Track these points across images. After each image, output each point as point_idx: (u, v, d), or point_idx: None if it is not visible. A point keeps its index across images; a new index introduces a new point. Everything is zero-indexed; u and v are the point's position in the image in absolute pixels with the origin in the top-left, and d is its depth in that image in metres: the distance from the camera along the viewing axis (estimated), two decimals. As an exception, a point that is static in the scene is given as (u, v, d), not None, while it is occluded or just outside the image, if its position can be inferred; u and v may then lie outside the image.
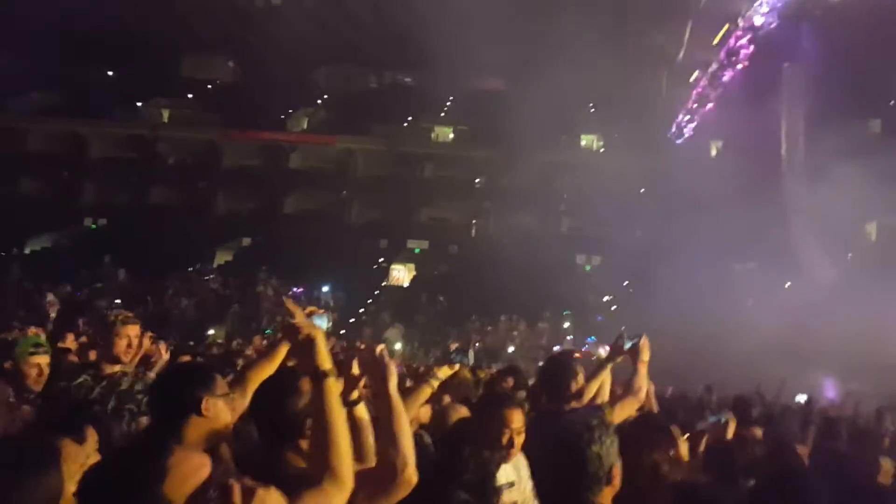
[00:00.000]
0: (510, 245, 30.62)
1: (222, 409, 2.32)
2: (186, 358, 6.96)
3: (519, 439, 3.10)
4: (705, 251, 25.09)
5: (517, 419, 3.10)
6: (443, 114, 38.68)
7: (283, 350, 3.02)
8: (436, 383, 3.40)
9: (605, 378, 4.22)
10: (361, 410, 2.45)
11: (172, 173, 37.59)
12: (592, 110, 36.23)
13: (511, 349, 23.72)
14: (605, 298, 30.94)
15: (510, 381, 4.96)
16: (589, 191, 31.03)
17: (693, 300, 23.24)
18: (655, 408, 5.35)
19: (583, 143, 38.62)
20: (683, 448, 3.71)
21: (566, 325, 27.60)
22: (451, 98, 37.92)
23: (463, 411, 3.88)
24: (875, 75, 26.49)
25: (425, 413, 4.01)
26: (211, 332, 21.31)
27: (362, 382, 2.44)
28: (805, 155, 29.15)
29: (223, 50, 39.17)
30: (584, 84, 29.84)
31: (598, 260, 33.76)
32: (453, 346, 14.99)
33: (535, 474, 3.14)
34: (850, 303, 21.00)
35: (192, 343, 14.75)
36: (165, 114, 39.13)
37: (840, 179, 24.79)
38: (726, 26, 26.93)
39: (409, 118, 38.41)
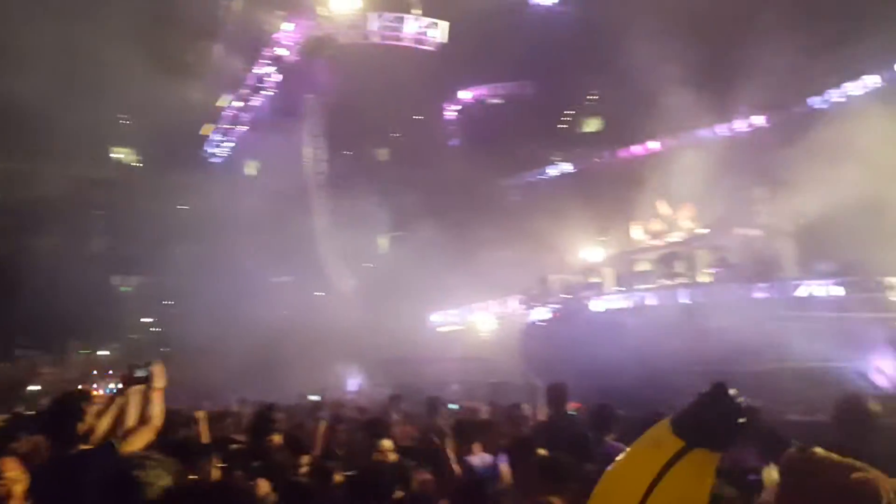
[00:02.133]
0: (32, 269, 26.89)
1: None
2: None
3: (17, 488, 3.03)
4: (245, 267, 25.93)
5: (10, 468, 3.04)
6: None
7: None
8: None
9: (131, 407, 4.15)
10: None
11: None
12: (126, 123, 34.15)
13: (36, 387, 21.01)
14: (145, 320, 29.71)
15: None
16: (125, 208, 29.26)
17: (235, 315, 23.86)
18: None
19: (115, 157, 36.10)
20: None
21: (105, 352, 25.52)
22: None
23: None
24: (382, 110, 30.75)
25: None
26: None
27: None
28: (327, 178, 32.25)
29: None
30: (115, 97, 28.09)
31: (137, 280, 32.09)
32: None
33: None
34: (369, 306, 24.03)
35: None
36: None
37: (356, 200, 28.32)
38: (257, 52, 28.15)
39: None
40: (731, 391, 1.28)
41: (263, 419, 6.18)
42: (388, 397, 10.41)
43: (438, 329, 27.38)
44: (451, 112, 34.99)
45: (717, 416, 1.27)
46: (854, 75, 23.03)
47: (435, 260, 23.51)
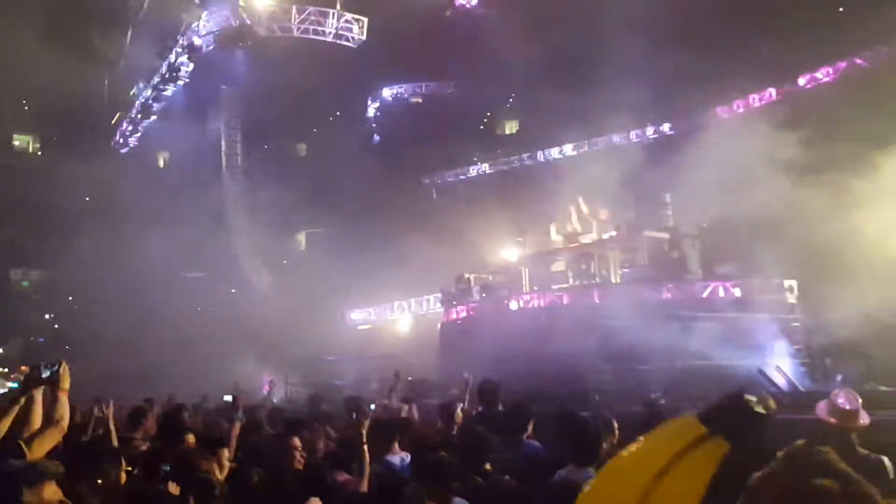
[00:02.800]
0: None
1: None
2: None
3: None
4: (156, 262, 25.02)
5: None
6: None
7: None
8: None
9: (35, 409, 3.96)
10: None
11: None
12: (27, 108, 32.29)
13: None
14: (48, 317, 28.22)
15: None
16: (26, 197, 27.65)
17: (145, 310, 22.97)
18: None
19: (16, 143, 34.07)
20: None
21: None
22: None
23: None
24: (301, 104, 30.28)
25: None
26: None
27: None
28: (243, 173, 31.48)
29: None
30: (17, 80, 26.55)
31: (38, 274, 30.43)
32: None
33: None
34: (286, 303, 23.65)
35: None
36: None
37: (273, 195, 27.76)
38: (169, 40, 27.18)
39: None
40: (747, 396, 1.35)
41: (173, 420, 6.00)
42: (307, 397, 10.19)
43: (358, 327, 27.25)
44: (371, 109, 34.83)
45: (739, 409, 1.34)
46: (757, 87, 24.36)
47: (353, 257, 23.39)
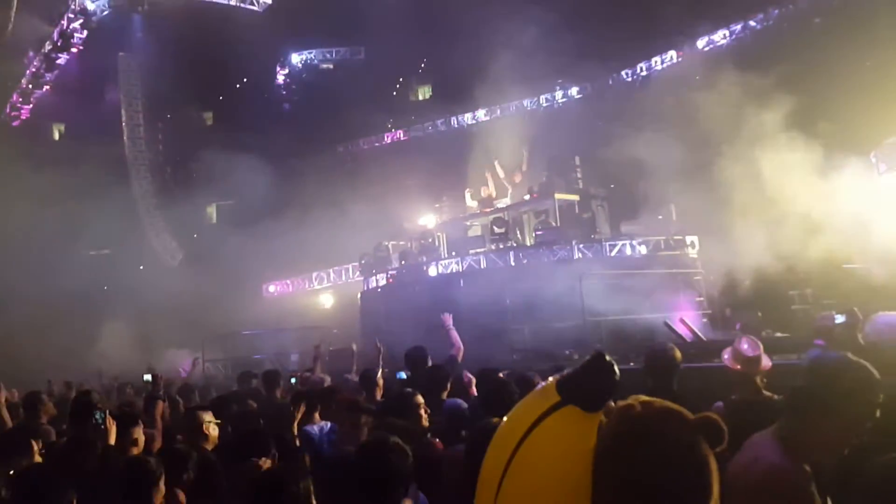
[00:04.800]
0: None
1: None
2: None
3: None
4: (56, 239, 23.85)
5: None
6: None
7: None
8: None
9: None
10: None
11: None
12: None
13: None
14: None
15: None
16: None
17: (43, 292, 21.84)
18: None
19: None
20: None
21: None
22: None
23: None
24: (205, 71, 29.14)
25: None
26: None
27: None
28: (146, 144, 30.15)
29: None
30: None
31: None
32: None
33: None
34: (199, 279, 22.99)
35: None
36: None
37: (180, 167, 26.79)
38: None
39: None
40: (608, 358, 1.39)
41: (83, 404, 5.81)
42: (238, 374, 9.85)
43: (276, 299, 26.89)
44: (280, 76, 33.90)
45: (592, 378, 1.37)
46: (661, 49, 25.13)
47: (268, 229, 22.96)
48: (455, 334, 7.34)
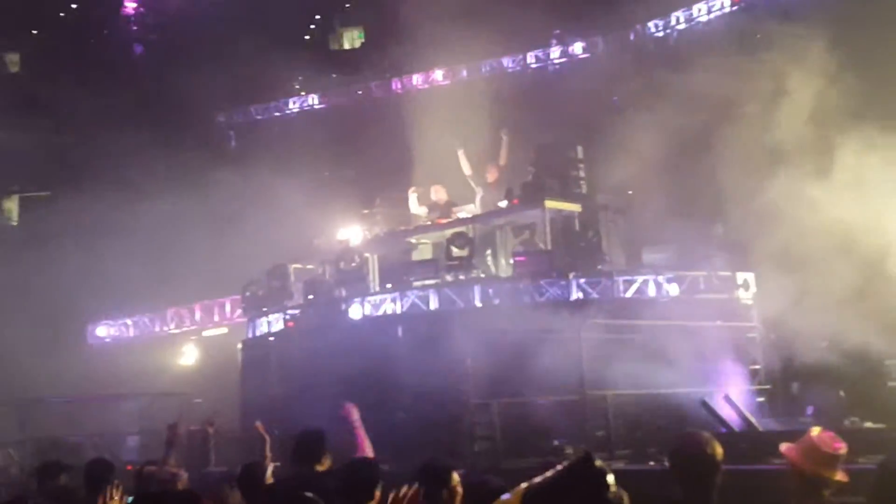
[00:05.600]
0: None
1: None
2: None
3: None
4: None
5: None
6: None
7: None
8: None
9: None
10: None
11: None
12: None
13: None
14: None
15: None
16: None
17: None
18: None
19: None
20: None
21: None
22: None
23: None
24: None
25: None
26: None
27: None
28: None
29: None
30: None
31: None
32: None
33: None
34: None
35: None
36: None
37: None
38: None
39: None
40: (598, 464, 1.49)
41: None
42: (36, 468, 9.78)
43: (107, 348, 26.57)
44: (130, 2, 33.74)
45: (573, 492, 1.47)
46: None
47: (100, 236, 22.74)
48: (362, 434, 7.42)
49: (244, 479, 6.61)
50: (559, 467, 1.50)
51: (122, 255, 22.41)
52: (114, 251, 22.60)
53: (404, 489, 3.74)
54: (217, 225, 21.00)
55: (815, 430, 4.49)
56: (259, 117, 32.78)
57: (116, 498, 4.95)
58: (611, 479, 1.47)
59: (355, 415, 7.64)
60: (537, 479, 1.51)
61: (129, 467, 12.38)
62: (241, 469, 6.90)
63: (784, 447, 4.59)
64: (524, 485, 1.54)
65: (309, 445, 6.76)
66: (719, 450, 4.39)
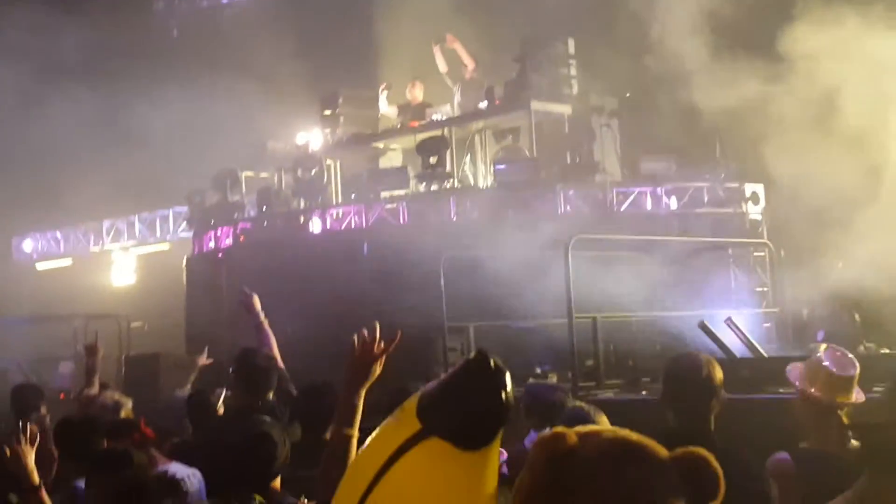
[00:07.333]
0: None
1: None
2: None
3: None
4: None
5: None
6: None
7: None
8: None
9: None
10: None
11: None
12: None
13: None
14: None
15: None
16: None
17: None
18: None
19: None
20: None
21: None
22: None
23: None
24: None
25: None
26: None
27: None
28: None
29: None
30: None
31: None
32: None
33: None
34: None
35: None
36: None
37: None
38: None
39: None
40: (495, 363, 1.51)
41: None
42: None
43: (37, 266, 26.58)
44: None
45: (464, 396, 1.50)
46: None
47: (24, 138, 22.58)
48: (267, 332, 7.48)
49: (194, 407, 6.69)
50: (452, 369, 1.53)
51: (49, 159, 22.27)
52: (37, 156, 22.45)
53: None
54: (157, 125, 20.78)
55: (822, 349, 4.55)
56: (205, 4, 32.32)
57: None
58: (507, 379, 1.49)
59: (258, 305, 7.63)
60: (431, 384, 1.55)
61: (63, 396, 12.47)
62: (190, 397, 6.98)
63: (791, 373, 4.66)
64: (419, 391, 1.58)
65: (254, 368, 6.77)
66: (718, 374, 4.39)
